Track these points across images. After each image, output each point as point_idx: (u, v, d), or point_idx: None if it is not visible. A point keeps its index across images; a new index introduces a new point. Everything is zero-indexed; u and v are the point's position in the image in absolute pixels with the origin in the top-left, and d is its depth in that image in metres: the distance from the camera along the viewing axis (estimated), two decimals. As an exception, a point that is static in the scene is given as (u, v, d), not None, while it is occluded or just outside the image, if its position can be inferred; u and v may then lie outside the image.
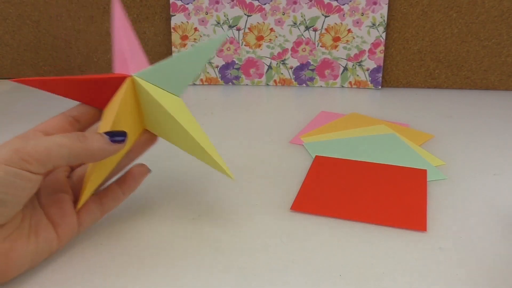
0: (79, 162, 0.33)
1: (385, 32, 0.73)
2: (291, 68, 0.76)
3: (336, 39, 0.74)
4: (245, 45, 0.75)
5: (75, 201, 0.36)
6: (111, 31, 0.43)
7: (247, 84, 0.77)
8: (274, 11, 0.73)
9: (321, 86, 0.76)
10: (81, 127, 0.38)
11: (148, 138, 0.40)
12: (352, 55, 0.74)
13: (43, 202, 0.35)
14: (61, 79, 0.35)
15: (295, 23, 0.74)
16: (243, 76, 0.76)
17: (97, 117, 0.38)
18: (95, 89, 0.36)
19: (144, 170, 0.39)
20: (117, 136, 0.34)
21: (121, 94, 0.35)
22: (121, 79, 0.36)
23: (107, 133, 0.34)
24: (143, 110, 0.38)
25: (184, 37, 0.75)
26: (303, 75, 0.76)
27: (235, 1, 0.73)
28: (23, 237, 0.32)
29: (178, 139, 0.38)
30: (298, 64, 0.75)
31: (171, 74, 0.37)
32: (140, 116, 0.38)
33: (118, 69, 0.38)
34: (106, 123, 0.36)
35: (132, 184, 0.39)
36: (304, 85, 0.76)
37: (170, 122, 0.36)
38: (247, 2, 0.73)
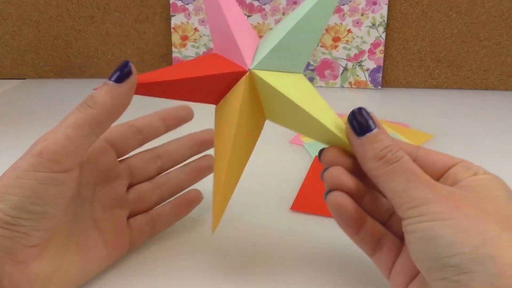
0: (106, 128, 0.28)
1: (385, 32, 0.73)
2: (291, 68, 0.76)
3: (336, 39, 0.74)
4: (245, 45, 0.75)
5: (130, 218, 0.34)
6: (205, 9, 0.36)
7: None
8: (274, 11, 0.73)
9: (321, 86, 0.76)
10: (144, 138, 0.35)
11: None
12: (352, 55, 0.74)
13: (97, 216, 0.32)
14: (167, 82, 0.30)
15: (295, 23, 0.74)
16: (243, 76, 0.76)
17: (161, 130, 0.36)
18: (204, 87, 0.32)
19: (199, 196, 0.38)
20: (120, 72, 0.28)
21: (240, 98, 0.31)
22: (238, 74, 0.32)
23: (110, 77, 0.28)
24: (264, 102, 0.33)
25: (184, 37, 0.75)
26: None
27: (235, 1, 0.73)
28: (68, 256, 0.29)
29: (307, 129, 0.35)
30: (298, 64, 0.75)
31: (289, 53, 0.33)
32: (259, 110, 0.33)
33: (228, 54, 0.33)
34: (226, 134, 0.32)
35: (186, 209, 0.37)
36: (304, 85, 0.77)
37: (296, 112, 0.33)
38: (247, 2, 0.73)
